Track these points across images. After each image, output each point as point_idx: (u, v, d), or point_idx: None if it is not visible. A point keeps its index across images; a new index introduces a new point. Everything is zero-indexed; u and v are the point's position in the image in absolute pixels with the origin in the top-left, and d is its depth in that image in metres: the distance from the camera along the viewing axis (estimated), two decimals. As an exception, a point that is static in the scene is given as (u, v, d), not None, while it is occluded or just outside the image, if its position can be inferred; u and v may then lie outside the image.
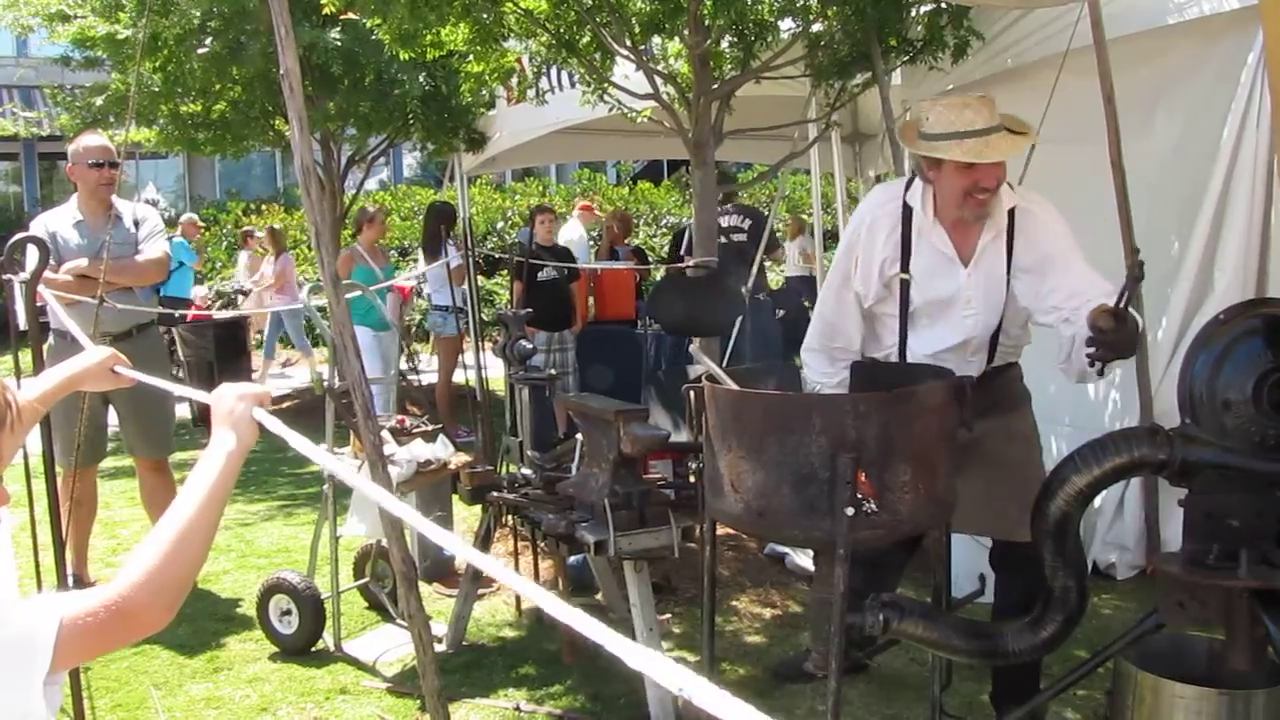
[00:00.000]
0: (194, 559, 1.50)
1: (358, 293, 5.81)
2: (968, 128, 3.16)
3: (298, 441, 1.80)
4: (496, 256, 10.45)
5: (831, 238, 11.39)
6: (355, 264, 8.65)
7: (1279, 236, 4.71)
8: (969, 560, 4.90)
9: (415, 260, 11.88)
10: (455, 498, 5.20)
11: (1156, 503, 5.10)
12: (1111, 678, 3.10)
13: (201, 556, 1.53)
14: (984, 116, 3.18)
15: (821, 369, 3.60)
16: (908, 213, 3.39)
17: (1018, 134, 3.25)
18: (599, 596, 5.05)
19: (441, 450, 4.74)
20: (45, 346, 4.56)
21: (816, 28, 5.64)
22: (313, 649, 4.68)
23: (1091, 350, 2.88)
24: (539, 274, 8.19)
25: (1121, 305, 2.83)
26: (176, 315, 10.19)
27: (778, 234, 10.84)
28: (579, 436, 4.29)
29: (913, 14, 5.61)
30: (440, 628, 4.68)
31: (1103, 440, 2.95)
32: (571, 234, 10.66)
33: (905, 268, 3.39)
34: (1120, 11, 4.87)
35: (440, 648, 4.52)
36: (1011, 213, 3.34)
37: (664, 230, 18.74)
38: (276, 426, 1.81)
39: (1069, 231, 3.39)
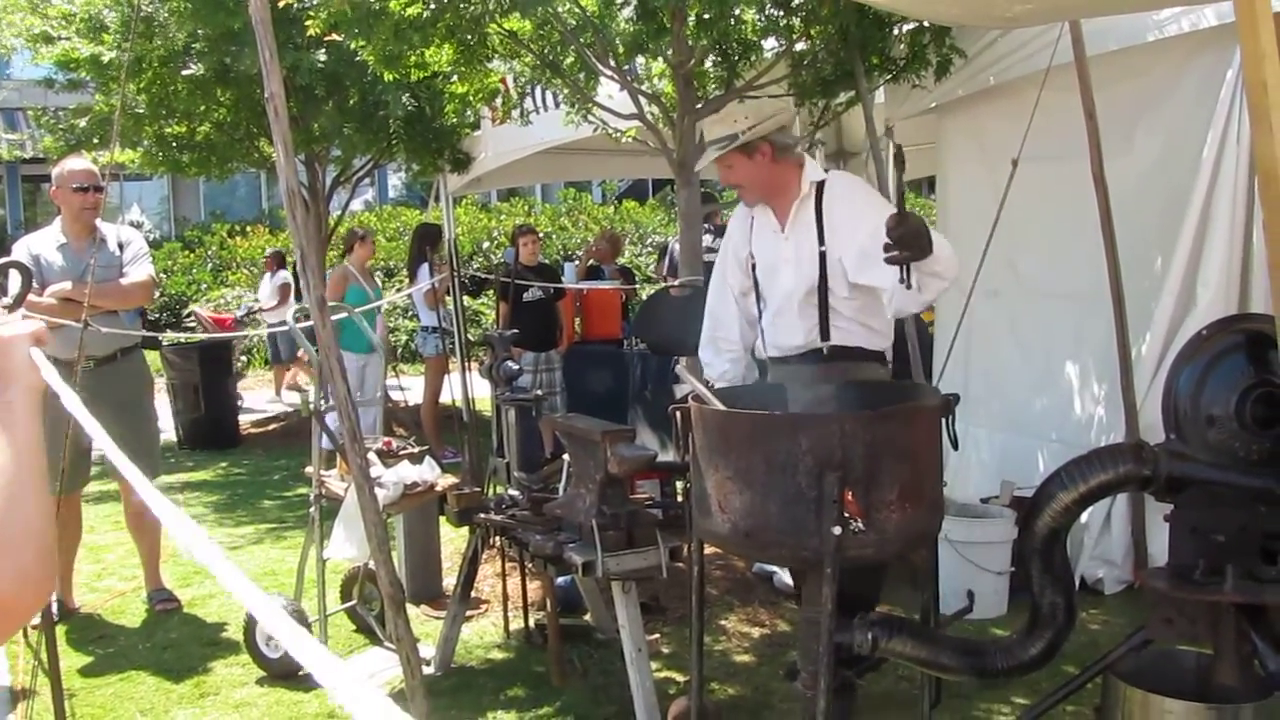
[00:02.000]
0: (32, 516, 1.32)
1: (344, 314, 5.81)
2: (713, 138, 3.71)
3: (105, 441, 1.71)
4: (482, 277, 10.45)
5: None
6: (349, 283, 8.68)
7: (1261, 251, 4.74)
8: (957, 577, 4.91)
9: (402, 281, 11.87)
10: (443, 519, 5.19)
11: (1143, 518, 5.12)
12: (1100, 693, 3.11)
13: (40, 512, 1.35)
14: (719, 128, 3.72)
15: (708, 359, 3.99)
16: None
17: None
18: (587, 617, 5.04)
19: (428, 472, 4.72)
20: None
21: (800, 47, 5.67)
22: (300, 673, 4.65)
23: (887, 255, 3.08)
24: (524, 294, 8.19)
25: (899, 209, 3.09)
26: (160, 338, 10.15)
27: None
28: (566, 457, 4.29)
29: (895, 33, 5.64)
30: (428, 650, 4.66)
31: (1088, 457, 2.96)
32: None
33: (750, 245, 3.87)
34: (1101, 29, 4.92)
35: (428, 670, 4.50)
36: (821, 184, 3.73)
37: (649, 250, 18.79)
38: (51, 376, 1.62)
39: (867, 196, 3.83)
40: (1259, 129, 2.39)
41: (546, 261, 9.33)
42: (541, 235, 11.40)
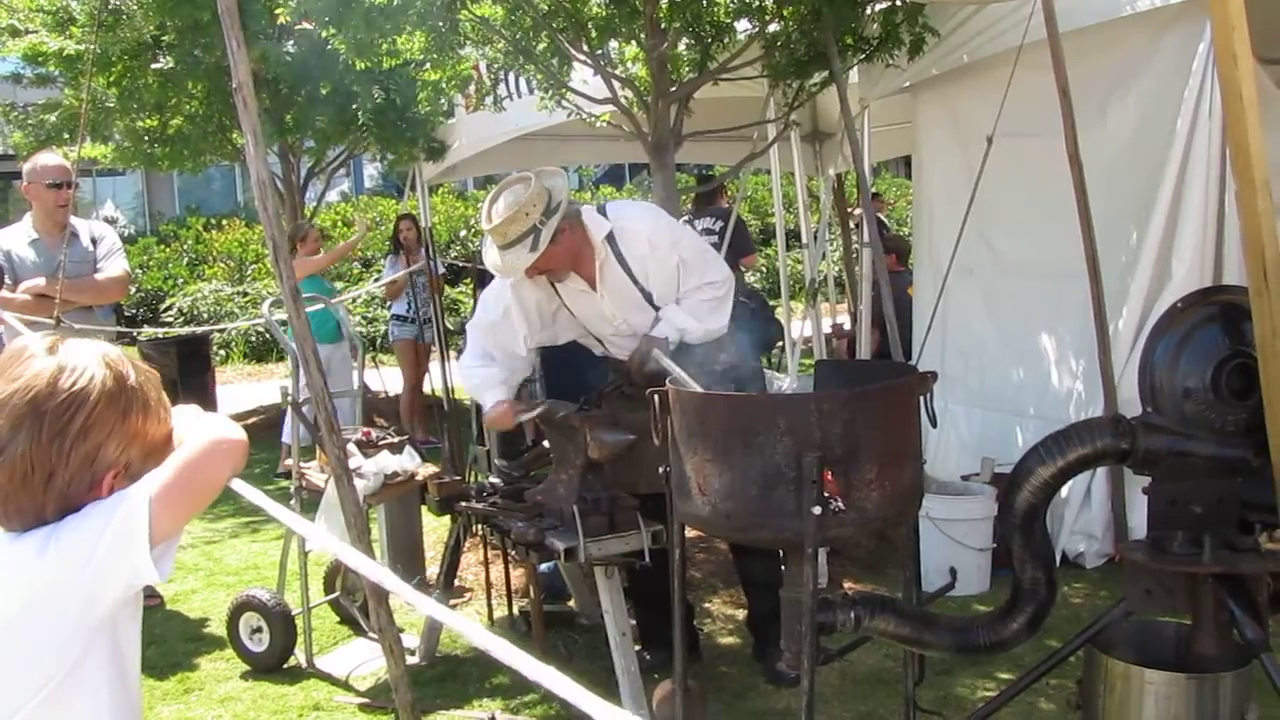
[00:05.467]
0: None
1: (319, 306, 5.79)
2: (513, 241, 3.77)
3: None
4: (459, 265, 10.41)
5: (794, 236, 11.41)
6: (307, 270, 8.50)
7: (1234, 224, 4.75)
8: (939, 554, 4.93)
9: (380, 270, 11.84)
10: (424, 509, 5.18)
11: (1123, 491, 5.14)
12: (1083, 666, 3.12)
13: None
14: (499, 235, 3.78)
15: (488, 371, 4.20)
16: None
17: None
18: (571, 603, 5.04)
19: (408, 461, 4.71)
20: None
21: (773, 28, 5.65)
22: (285, 666, 4.63)
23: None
24: None
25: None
26: (135, 334, 10.09)
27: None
28: (546, 443, 4.28)
29: (868, 12, 5.63)
30: (413, 640, 4.66)
31: (1066, 431, 2.97)
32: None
33: (560, 300, 4.09)
34: (1073, 5, 4.92)
35: (413, 660, 4.49)
36: (611, 235, 3.93)
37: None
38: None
39: (666, 228, 4.11)
40: (1230, 100, 2.40)
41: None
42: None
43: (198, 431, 1.70)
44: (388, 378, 9.84)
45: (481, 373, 4.12)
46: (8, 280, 4.94)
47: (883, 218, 11.95)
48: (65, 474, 1.58)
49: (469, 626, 1.45)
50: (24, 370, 1.60)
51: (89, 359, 1.62)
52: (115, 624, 1.66)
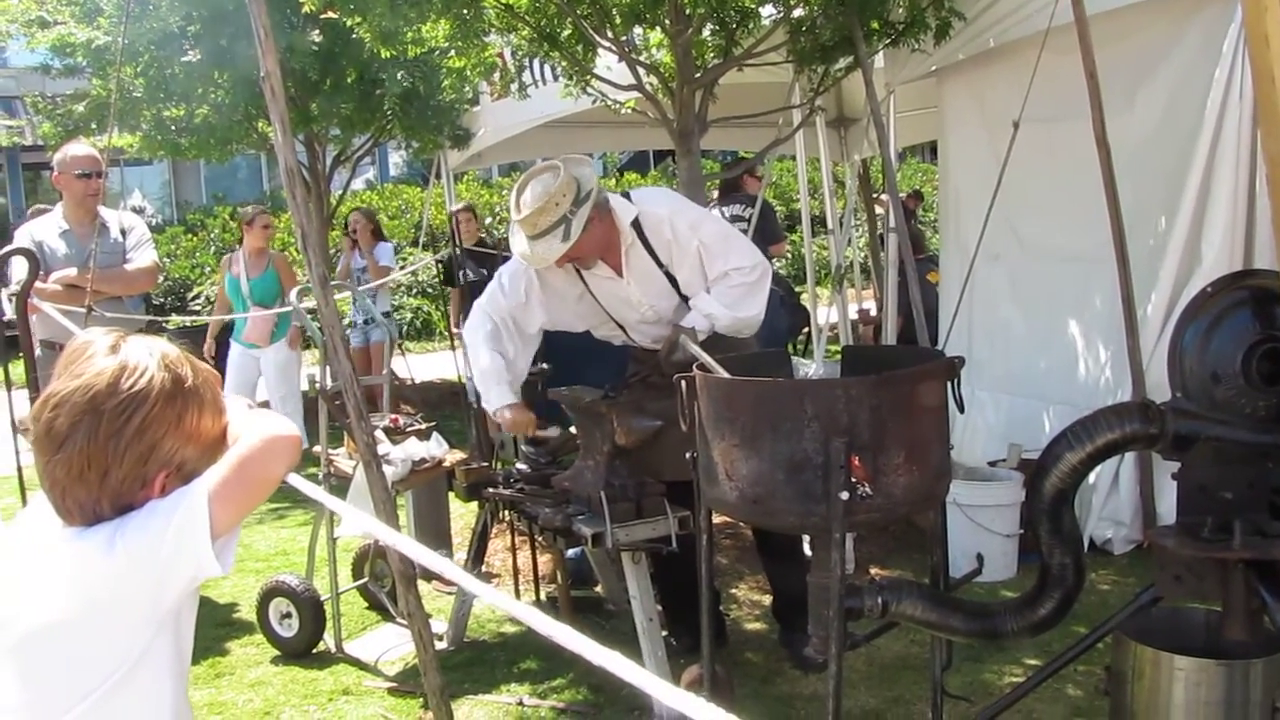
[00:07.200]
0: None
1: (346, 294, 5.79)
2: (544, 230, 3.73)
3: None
4: (484, 253, 10.42)
5: (819, 222, 11.37)
6: (225, 271, 8.15)
7: (1264, 207, 4.72)
8: (966, 540, 4.92)
9: (405, 257, 11.85)
10: (451, 494, 5.21)
11: (1151, 477, 5.12)
12: (1111, 652, 3.11)
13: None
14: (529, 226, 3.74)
15: (488, 355, 4.12)
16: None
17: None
18: (598, 589, 5.06)
19: (436, 448, 4.73)
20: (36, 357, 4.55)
21: (798, 13, 5.64)
22: (314, 651, 4.67)
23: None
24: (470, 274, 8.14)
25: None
26: (164, 322, 10.16)
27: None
28: (573, 429, 4.29)
29: (893, -4, 5.61)
30: (440, 625, 4.68)
31: (1094, 416, 2.95)
32: None
33: (584, 286, 4.07)
34: (1100, -13, 4.88)
35: (441, 645, 4.52)
36: (636, 220, 3.91)
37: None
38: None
39: (686, 211, 4.07)
40: (1261, 83, 2.38)
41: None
42: (478, 215, 11.28)
43: (252, 428, 1.74)
44: (413, 364, 9.89)
45: (489, 360, 4.05)
46: (40, 270, 4.98)
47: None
48: (119, 472, 1.63)
49: (533, 614, 1.50)
50: (86, 368, 1.65)
51: (149, 360, 1.66)
52: (179, 614, 1.72)
